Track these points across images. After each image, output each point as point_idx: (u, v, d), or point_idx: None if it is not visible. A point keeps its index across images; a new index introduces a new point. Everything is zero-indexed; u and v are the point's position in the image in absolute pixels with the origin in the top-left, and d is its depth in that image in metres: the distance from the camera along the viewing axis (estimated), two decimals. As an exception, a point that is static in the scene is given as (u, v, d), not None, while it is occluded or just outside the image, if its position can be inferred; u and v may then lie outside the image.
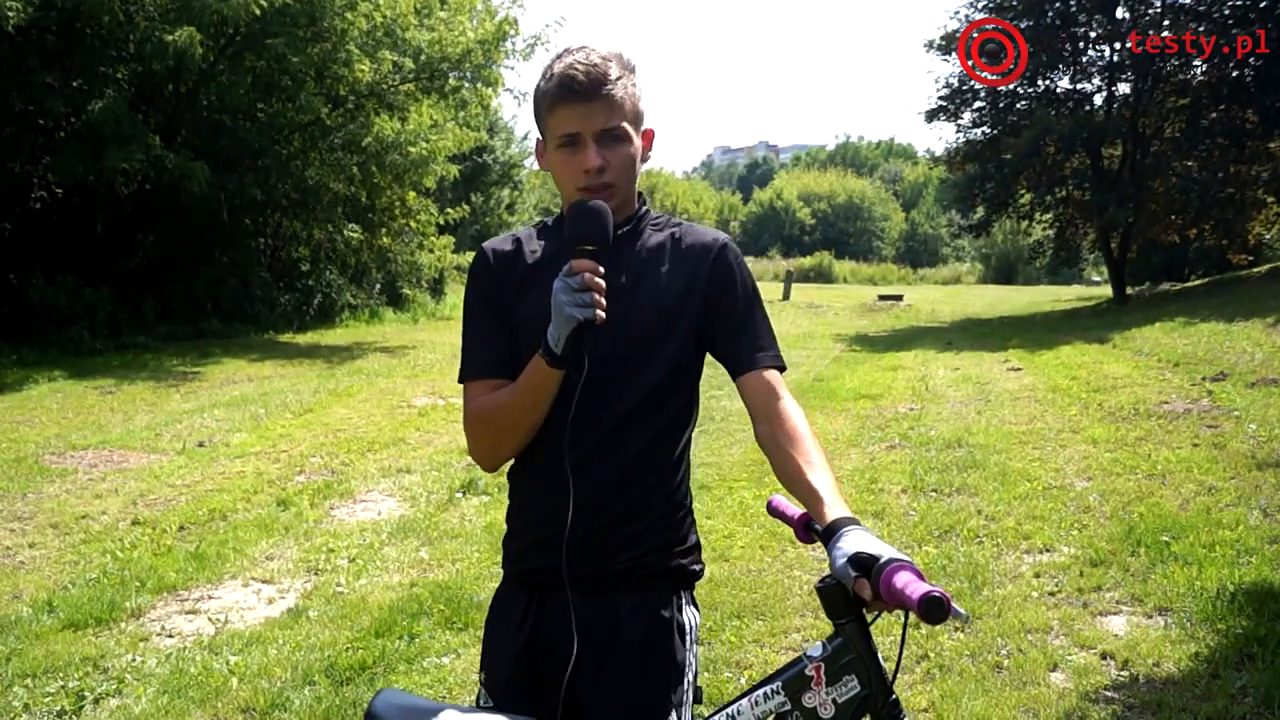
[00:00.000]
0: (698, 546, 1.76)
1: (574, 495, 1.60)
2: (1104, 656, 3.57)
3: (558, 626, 1.64)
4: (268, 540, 5.29)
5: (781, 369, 1.70)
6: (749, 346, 1.68)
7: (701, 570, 1.76)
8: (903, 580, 1.25)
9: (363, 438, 7.99)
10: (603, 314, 1.51)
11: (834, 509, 1.45)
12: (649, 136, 1.71)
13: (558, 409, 1.61)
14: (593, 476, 1.62)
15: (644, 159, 1.70)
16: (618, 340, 1.60)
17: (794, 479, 1.54)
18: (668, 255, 1.70)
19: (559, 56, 1.64)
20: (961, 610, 1.23)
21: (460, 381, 1.72)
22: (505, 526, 1.79)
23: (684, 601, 1.71)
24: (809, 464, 1.54)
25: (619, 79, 1.61)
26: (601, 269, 1.53)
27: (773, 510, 1.80)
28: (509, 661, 1.69)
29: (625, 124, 1.62)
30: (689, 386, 1.73)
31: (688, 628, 1.70)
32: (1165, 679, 3.36)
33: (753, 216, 61.66)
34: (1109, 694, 3.29)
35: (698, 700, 1.71)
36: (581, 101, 1.59)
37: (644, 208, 1.74)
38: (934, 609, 1.20)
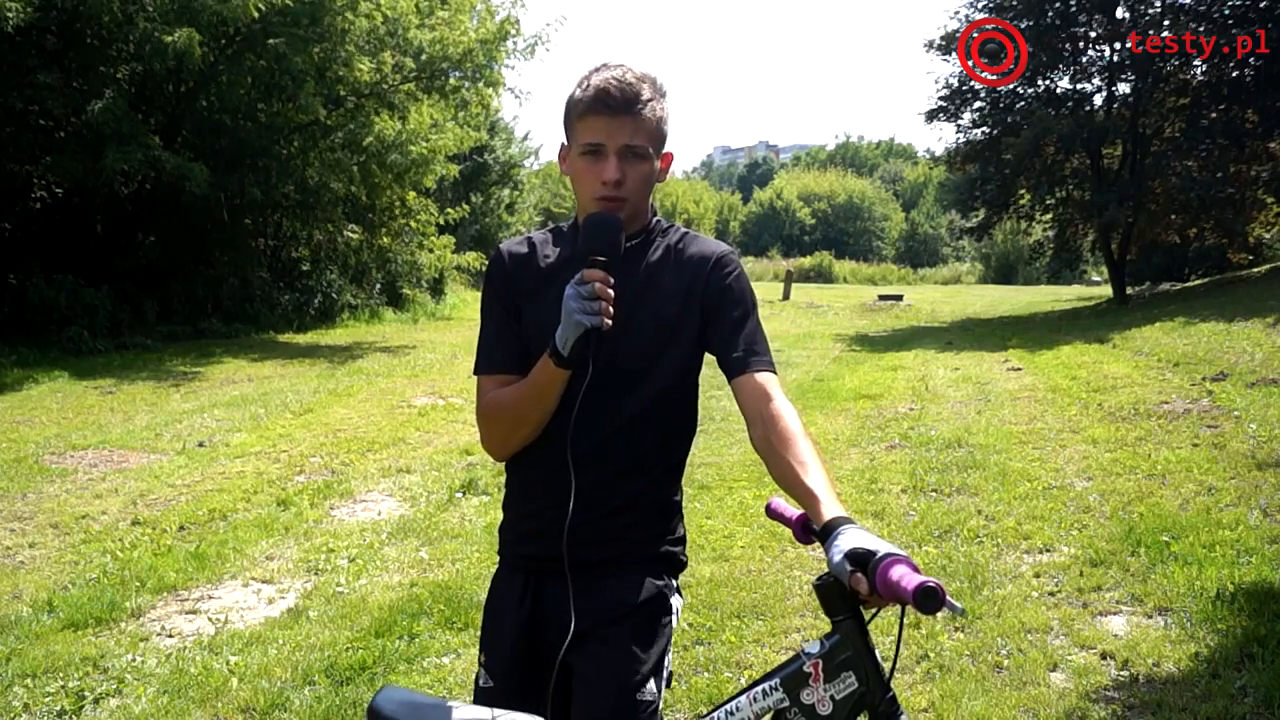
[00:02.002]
0: (684, 539, 1.87)
1: (575, 489, 1.68)
2: (1104, 656, 3.57)
3: (554, 608, 1.74)
4: (268, 540, 5.29)
5: (773, 373, 1.75)
6: (743, 351, 1.73)
7: (686, 561, 1.88)
8: (898, 573, 1.27)
9: (363, 438, 7.99)
10: (609, 321, 1.62)
11: (830, 508, 1.47)
12: (668, 159, 1.79)
13: (564, 407, 1.70)
14: (592, 473, 1.70)
15: (659, 179, 1.78)
16: (624, 346, 1.70)
17: (789, 481, 1.56)
18: (670, 265, 1.78)
19: (597, 70, 1.73)
20: (956, 603, 1.25)
21: (475, 374, 1.84)
22: (502, 514, 1.89)
23: (669, 588, 1.81)
24: (802, 465, 1.56)
25: (649, 101, 1.70)
26: (611, 279, 1.62)
27: (771, 513, 1.82)
28: (508, 643, 1.79)
29: (647, 144, 1.71)
30: (692, 394, 1.83)
31: (673, 608, 1.80)
32: (1165, 679, 3.36)
33: (753, 216, 61.65)
34: (1109, 694, 3.29)
35: (668, 684, 1.79)
36: (611, 115, 1.67)
37: (655, 219, 1.83)
38: (928, 599, 1.22)
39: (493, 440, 1.80)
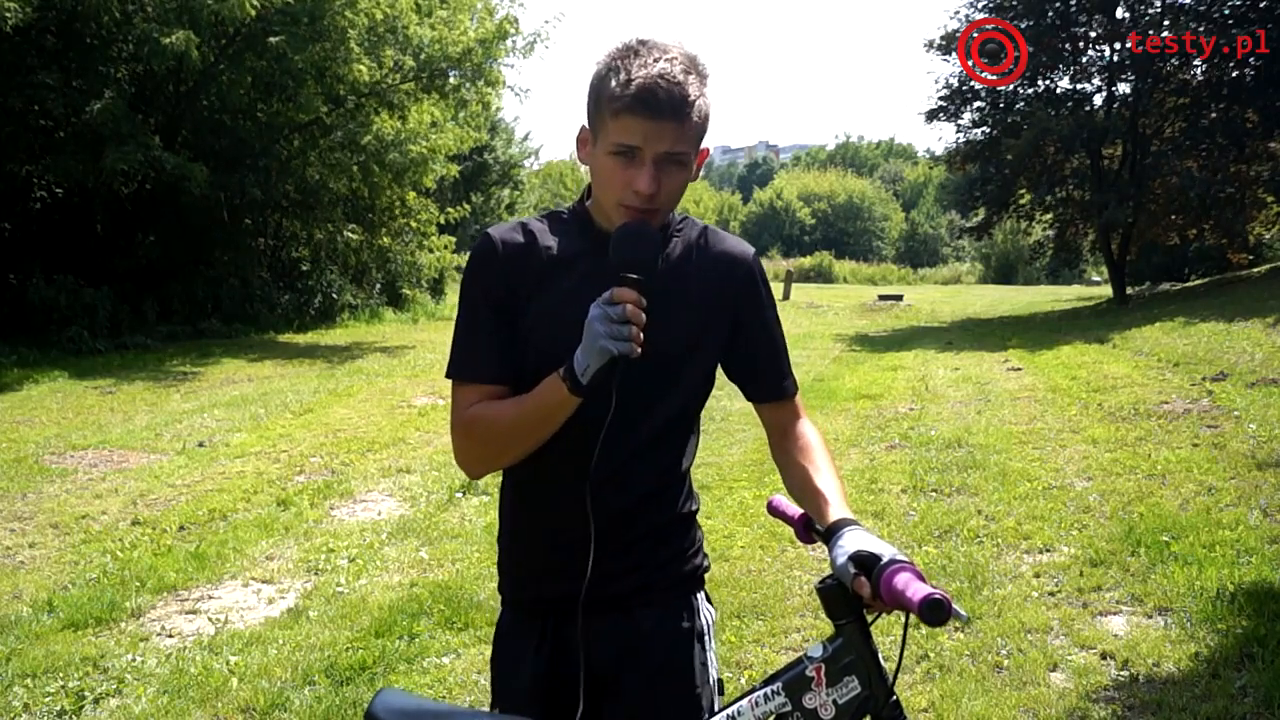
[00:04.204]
0: (702, 543, 1.73)
1: (595, 525, 1.52)
2: (1104, 656, 3.57)
3: (576, 653, 1.57)
4: (268, 540, 5.29)
5: (797, 389, 1.72)
6: (776, 374, 1.68)
7: (709, 564, 1.73)
8: (903, 581, 1.26)
9: (363, 438, 7.99)
10: (639, 349, 1.41)
11: (838, 510, 1.47)
12: (703, 156, 1.56)
13: (571, 434, 1.51)
14: (607, 505, 1.54)
15: (693, 178, 1.56)
16: (643, 365, 1.48)
17: (802, 483, 1.57)
18: (694, 267, 1.60)
19: (637, 54, 1.45)
20: (962, 612, 1.24)
21: (450, 378, 1.58)
22: (502, 553, 1.70)
23: (699, 602, 1.68)
24: (817, 469, 1.57)
25: (697, 100, 1.46)
26: (644, 301, 1.42)
27: (773, 510, 1.80)
28: (524, 695, 1.60)
29: (689, 149, 1.49)
30: (704, 403, 1.67)
31: (706, 629, 1.66)
32: (1165, 679, 3.36)
33: (753, 216, 61.64)
34: (1109, 694, 3.29)
35: (720, 692, 1.71)
36: (655, 119, 1.43)
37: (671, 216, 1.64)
38: (935, 611, 1.21)
39: (472, 458, 1.58)
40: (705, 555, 1.73)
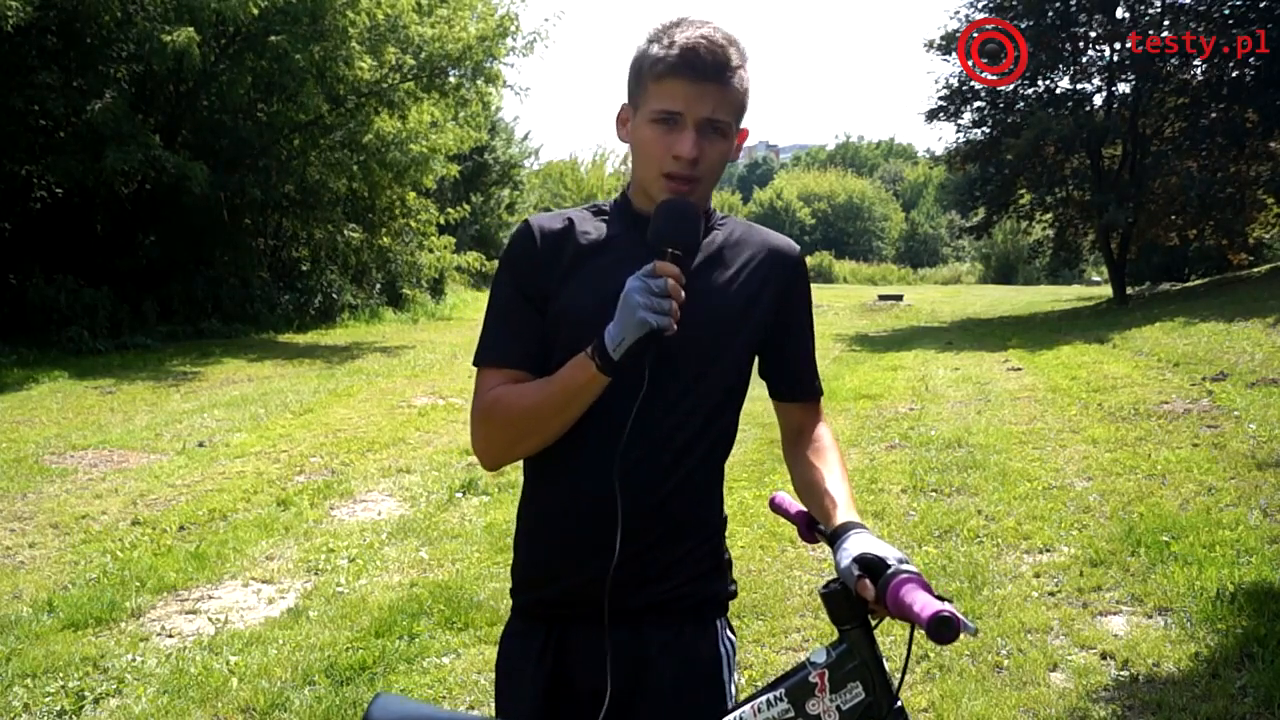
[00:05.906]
0: (730, 564, 1.67)
1: (620, 518, 1.43)
2: (1104, 656, 3.57)
3: (584, 663, 1.50)
4: (268, 540, 5.29)
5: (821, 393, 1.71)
6: (808, 374, 1.67)
7: (735, 589, 1.66)
8: (910, 595, 1.24)
9: (363, 438, 7.99)
10: (675, 326, 1.38)
11: (845, 513, 1.46)
12: (743, 136, 1.56)
13: (597, 418, 1.45)
14: (631, 499, 1.45)
15: (733, 157, 1.56)
16: (677, 346, 1.44)
17: (812, 483, 1.55)
18: (737, 256, 1.57)
19: (678, 24, 1.48)
20: (971, 624, 1.21)
21: (476, 365, 1.55)
22: (515, 548, 1.64)
23: (720, 629, 1.61)
24: (830, 471, 1.56)
25: (738, 68, 1.48)
26: (684, 280, 1.39)
27: (775, 507, 1.79)
28: (526, 706, 1.53)
29: (730, 119, 1.48)
30: (739, 401, 1.61)
31: (724, 656, 1.60)
32: (1165, 679, 3.36)
33: (753, 216, 61.43)
34: (1109, 694, 3.29)
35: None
36: (697, 81, 1.44)
37: (709, 205, 1.61)
38: (943, 629, 1.18)
39: (491, 446, 1.52)
40: (732, 580, 1.66)
